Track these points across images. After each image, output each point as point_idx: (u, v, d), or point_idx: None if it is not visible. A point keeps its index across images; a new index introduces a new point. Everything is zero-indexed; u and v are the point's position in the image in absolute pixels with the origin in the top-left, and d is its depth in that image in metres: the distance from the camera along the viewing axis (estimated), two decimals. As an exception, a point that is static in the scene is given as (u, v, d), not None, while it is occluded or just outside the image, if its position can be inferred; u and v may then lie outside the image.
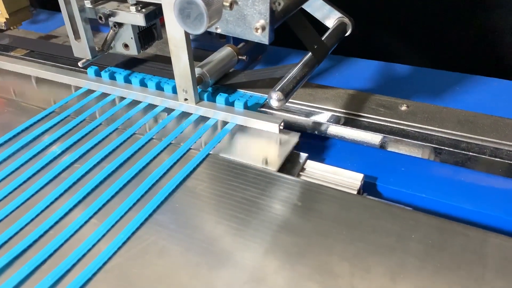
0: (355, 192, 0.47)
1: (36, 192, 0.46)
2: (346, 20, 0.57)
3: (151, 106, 0.59)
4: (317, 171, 0.50)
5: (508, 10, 0.77)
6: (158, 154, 0.50)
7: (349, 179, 0.48)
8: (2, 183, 0.47)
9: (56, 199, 0.45)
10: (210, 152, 0.50)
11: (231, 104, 0.57)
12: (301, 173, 0.50)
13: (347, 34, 0.58)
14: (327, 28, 0.57)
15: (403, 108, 0.55)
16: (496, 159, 0.47)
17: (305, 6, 0.58)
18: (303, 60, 0.50)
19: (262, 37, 0.39)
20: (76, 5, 0.57)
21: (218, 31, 0.41)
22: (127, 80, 0.63)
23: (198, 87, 0.57)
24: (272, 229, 0.40)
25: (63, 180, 0.47)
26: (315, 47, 0.51)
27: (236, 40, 0.66)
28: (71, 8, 0.58)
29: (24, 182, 0.47)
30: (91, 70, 0.64)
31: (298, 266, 0.37)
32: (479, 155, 0.48)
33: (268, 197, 0.44)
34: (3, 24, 0.73)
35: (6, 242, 0.40)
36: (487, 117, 0.53)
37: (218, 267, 0.37)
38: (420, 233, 0.39)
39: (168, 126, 0.55)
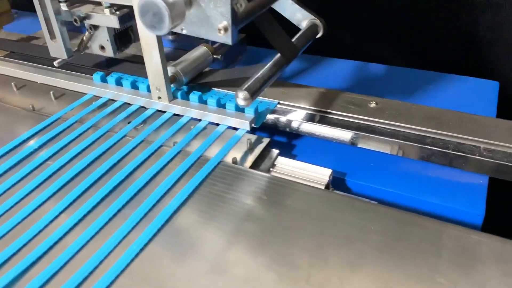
0: (323, 187, 0.48)
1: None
2: (318, 22, 0.59)
3: (127, 105, 0.60)
4: (287, 167, 0.51)
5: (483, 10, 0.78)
6: (130, 151, 0.51)
7: (317, 175, 0.49)
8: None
9: (29, 193, 0.46)
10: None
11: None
12: (271, 169, 0.51)
13: (319, 36, 0.59)
14: (299, 30, 0.58)
15: (372, 105, 0.56)
16: (459, 153, 0.49)
17: (276, 8, 0.59)
18: (272, 60, 0.51)
19: (226, 38, 0.40)
20: (52, 8, 0.58)
21: (184, 32, 0.42)
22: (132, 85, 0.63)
23: (172, 85, 0.58)
24: (236, 222, 0.41)
25: (35, 175, 0.48)
26: (284, 47, 0.52)
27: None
28: (46, 11, 0.58)
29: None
30: (96, 76, 0.64)
31: (259, 257, 0.38)
32: (443, 150, 0.49)
33: (236, 192, 0.45)
34: None
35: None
36: (453, 113, 0.54)
37: (180, 259, 0.38)
38: (380, 224, 0.40)
39: (141, 124, 0.56)
